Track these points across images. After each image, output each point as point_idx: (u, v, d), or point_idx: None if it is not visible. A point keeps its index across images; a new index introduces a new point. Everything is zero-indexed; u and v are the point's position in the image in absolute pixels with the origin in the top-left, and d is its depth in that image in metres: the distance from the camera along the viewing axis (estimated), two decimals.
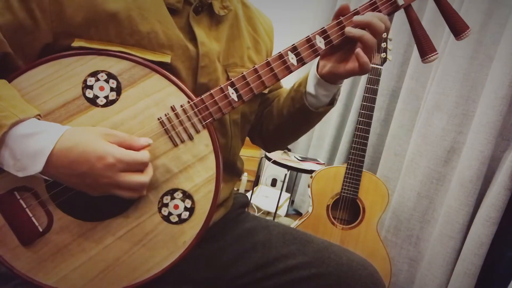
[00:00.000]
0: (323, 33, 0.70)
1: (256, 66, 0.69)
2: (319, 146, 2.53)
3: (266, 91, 0.87)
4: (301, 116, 0.84)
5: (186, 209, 0.66)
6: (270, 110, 0.92)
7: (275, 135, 0.93)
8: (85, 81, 0.63)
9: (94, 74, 0.63)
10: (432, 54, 0.72)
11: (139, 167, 0.59)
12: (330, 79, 0.78)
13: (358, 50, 0.70)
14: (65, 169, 0.56)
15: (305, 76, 0.83)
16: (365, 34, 0.69)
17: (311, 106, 0.82)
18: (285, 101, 0.87)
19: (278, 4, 2.67)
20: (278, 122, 0.89)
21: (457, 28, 0.72)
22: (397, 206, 1.82)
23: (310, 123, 0.88)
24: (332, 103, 0.84)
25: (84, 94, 0.63)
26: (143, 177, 0.59)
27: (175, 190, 0.65)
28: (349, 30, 0.69)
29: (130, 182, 0.57)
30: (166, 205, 0.65)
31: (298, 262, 0.79)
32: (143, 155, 0.59)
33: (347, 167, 1.63)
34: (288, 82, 0.82)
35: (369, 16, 0.69)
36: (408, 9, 0.73)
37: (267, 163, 2.57)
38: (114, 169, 0.56)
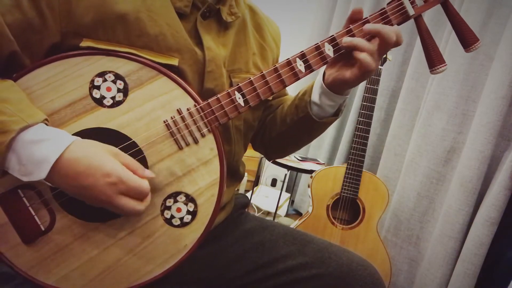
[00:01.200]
0: (332, 41, 0.70)
1: (263, 72, 0.68)
2: (319, 146, 2.54)
3: (270, 98, 0.86)
4: (304, 125, 0.83)
5: (188, 212, 0.66)
6: (274, 117, 0.91)
7: (277, 143, 0.92)
8: (92, 81, 0.62)
9: (101, 74, 0.63)
10: (441, 66, 0.72)
11: (139, 195, 0.59)
12: (336, 88, 0.76)
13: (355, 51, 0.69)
14: (69, 179, 0.56)
15: (310, 84, 0.82)
16: (360, 42, 0.68)
17: (315, 116, 0.80)
18: (289, 109, 0.86)
19: (278, 5, 2.67)
20: (280, 129, 0.88)
21: (467, 40, 0.71)
22: (397, 206, 1.82)
23: (313, 133, 0.87)
24: (337, 114, 0.82)
25: (91, 94, 0.63)
26: (140, 206, 0.59)
27: (178, 193, 0.65)
28: (345, 39, 0.69)
29: (126, 207, 0.58)
30: (169, 208, 0.65)
31: (298, 262, 0.79)
32: (146, 184, 0.59)
33: (347, 167, 1.63)
34: (293, 90, 0.81)
35: (380, 25, 0.68)
36: (418, 19, 0.72)
37: (267, 163, 2.57)
38: (115, 189, 0.56)
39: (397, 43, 0.69)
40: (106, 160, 0.56)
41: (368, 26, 0.69)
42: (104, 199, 0.56)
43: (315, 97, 0.79)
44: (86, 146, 0.57)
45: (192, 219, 0.66)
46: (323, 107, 0.80)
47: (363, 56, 0.68)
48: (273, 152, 0.98)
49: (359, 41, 0.68)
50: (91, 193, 0.56)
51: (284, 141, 0.91)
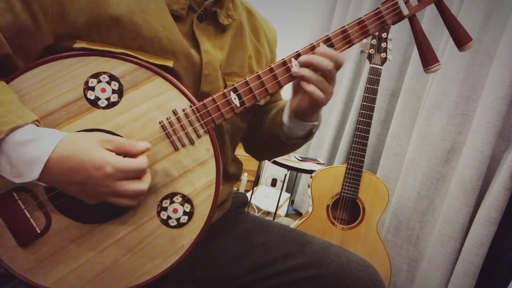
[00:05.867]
0: (328, 40, 0.70)
1: (259, 72, 0.68)
2: (319, 146, 2.53)
3: (262, 103, 0.86)
4: (278, 141, 0.84)
5: (185, 213, 0.65)
6: (262, 123, 0.90)
7: (262, 149, 0.94)
8: (86, 82, 0.62)
9: (96, 75, 0.62)
10: (435, 65, 0.73)
11: (137, 174, 0.59)
12: (302, 116, 0.77)
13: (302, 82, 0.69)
14: (62, 177, 0.56)
15: (285, 103, 0.82)
16: (306, 73, 0.68)
17: (286, 135, 0.81)
18: (268, 122, 0.86)
19: (277, 6, 2.67)
20: (263, 138, 0.88)
21: (461, 39, 0.73)
22: (397, 206, 1.81)
23: (289, 149, 0.89)
24: (306, 137, 0.82)
25: (85, 95, 0.62)
26: (141, 185, 0.59)
27: (175, 194, 0.65)
28: (294, 70, 0.68)
29: (128, 190, 0.57)
30: (165, 209, 0.65)
31: (298, 262, 0.79)
32: (141, 162, 0.58)
33: (347, 167, 1.63)
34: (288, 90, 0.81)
35: (312, 56, 0.68)
36: (412, 19, 0.73)
37: (267, 163, 2.57)
38: (113, 178, 0.56)
39: (337, 66, 0.69)
40: (96, 153, 0.56)
41: (301, 58, 0.68)
42: (104, 190, 0.56)
43: (285, 118, 0.80)
44: (75, 142, 0.57)
45: (189, 219, 0.66)
46: (292, 129, 0.80)
47: (310, 88, 0.68)
48: (259, 156, 1.01)
49: (305, 71, 0.68)
50: (89, 187, 0.56)
51: (267, 149, 0.93)
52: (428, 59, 0.73)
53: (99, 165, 0.55)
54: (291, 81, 0.71)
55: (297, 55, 0.69)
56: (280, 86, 0.69)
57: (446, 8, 0.73)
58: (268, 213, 2.41)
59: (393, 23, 0.73)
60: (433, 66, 0.73)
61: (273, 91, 0.70)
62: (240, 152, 0.93)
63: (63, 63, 0.62)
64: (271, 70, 0.69)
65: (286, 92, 0.82)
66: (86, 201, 0.58)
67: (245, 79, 0.68)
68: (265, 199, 2.47)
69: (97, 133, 0.59)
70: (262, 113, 0.91)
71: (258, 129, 0.90)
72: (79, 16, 0.62)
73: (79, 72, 0.62)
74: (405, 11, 0.71)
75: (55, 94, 0.61)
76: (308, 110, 0.74)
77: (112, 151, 0.57)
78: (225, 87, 0.75)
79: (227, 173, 0.85)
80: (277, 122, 0.82)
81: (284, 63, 0.69)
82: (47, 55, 0.62)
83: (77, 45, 0.62)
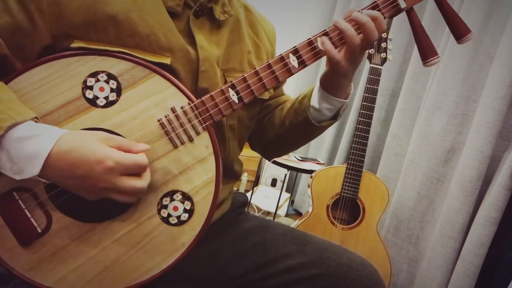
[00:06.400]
0: (325, 35, 0.70)
1: (257, 68, 0.68)
2: (319, 146, 2.53)
3: (266, 97, 0.86)
4: (303, 128, 0.84)
5: (185, 210, 0.65)
6: (272, 119, 0.91)
7: (275, 144, 0.93)
8: (85, 81, 0.62)
9: (94, 74, 0.62)
10: (434, 58, 0.72)
11: (138, 170, 0.59)
12: (327, 86, 0.78)
13: (323, 38, 0.69)
14: (63, 172, 0.56)
15: (310, 89, 0.83)
16: (349, 29, 0.69)
17: (314, 119, 0.81)
18: (288, 112, 0.87)
19: (277, 5, 2.67)
20: (279, 131, 0.88)
21: (459, 31, 0.72)
22: (397, 206, 1.81)
23: (311, 135, 0.88)
24: (335, 117, 0.83)
25: (84, 94, 0.62)
26: (141, 183, 0.59)
27: (175, 191, 0.65)
28: (336, 20, 0.70)
29: (128, 186, 0.57)
30: (166, 206, 0.65)
31: (298, 262, 0.79)
32: (142, 158, 0.59)
33: (347, 167, 1.63)
34: (289, 89, 0.82)
35: (366, 16, 0.69)
36: (410, 12, 0.73)
37: (267, 163, 2.57)
38: (113, 173, 0.56)
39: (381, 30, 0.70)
40: (97, 147, 0.56)
41: (356, 14, 0.70)
42: (104, 185, 0.56)
43: (314, 101, 0.80)
44: (76, 137, 0.57)
45: (189, 217, 0.66)
46: (322, 111, 0.80)
47: (327, 47, 0.69)
48: (271, 152, 0.99)
49: (348, 27, 0.69)
50: (89, 182, 0.56)
51: (282, 142, 0.92)
52: (427, 52, 0.72)
53: (101, 159, 0.55)
54: (289, 77, 0.71)
55: (295, 51, 0.69)
56: (278, 81, 0.69)
57: (444, 1, 0.72)
58: (268, 213, 2.41)
59: (391, 17, 0.72)
60: (432, 59, 0.72)
61: (271, 87, 0.70)
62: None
63: (61, 62, 0.62)
64: (269, 66, 0.69)
65: (289, 89, 0.83)
66: (87, 197, 0.58)
67: (243, 75, 0.68)
68: (265, 199, 2.47)
69: (98, 131, 0.60)
70: (269, 108, 0.92)
71: (271, 124, 0.90)
72: (75, 16, 0.62)
73: (77, 71, 0.62)
74: (403, 4, 0.71)
75: (53, 93, 0.62)
76: (327, 74, 0.76)
77: (113, 148, 0.58)
78: (225, 83, 0.76)
79: (232, 170, 0.86)
80: (302, 109, 0.82)
81: (281, 58, 0.69)
82: (45, 56, 0.62)
83: (75, 44, 0.63)
